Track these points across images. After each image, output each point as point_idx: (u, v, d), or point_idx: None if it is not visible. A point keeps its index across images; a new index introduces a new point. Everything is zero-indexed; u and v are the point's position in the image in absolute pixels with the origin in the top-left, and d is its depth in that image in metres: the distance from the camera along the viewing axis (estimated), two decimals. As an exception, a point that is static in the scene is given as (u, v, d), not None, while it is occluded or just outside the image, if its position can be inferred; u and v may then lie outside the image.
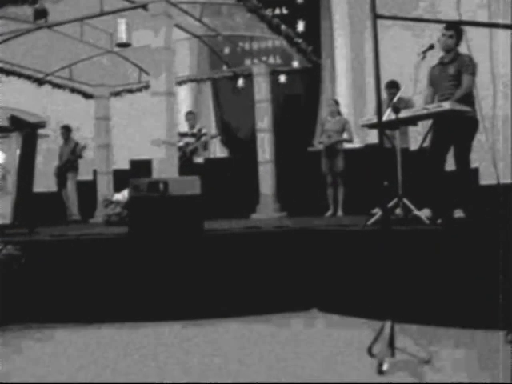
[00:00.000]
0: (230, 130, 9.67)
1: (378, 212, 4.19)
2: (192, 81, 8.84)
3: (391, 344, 2.42)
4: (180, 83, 8.30)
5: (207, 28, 6.93)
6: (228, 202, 7.43)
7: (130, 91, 8.72)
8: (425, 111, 3.83)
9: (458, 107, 3.74)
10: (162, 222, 3.74)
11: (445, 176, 4.20)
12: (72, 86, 8.40)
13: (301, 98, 9.13)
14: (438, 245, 3.20)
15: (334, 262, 3.64)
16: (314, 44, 7.86)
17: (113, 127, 8.45)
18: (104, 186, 8.14)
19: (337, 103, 6.80)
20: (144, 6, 5.13)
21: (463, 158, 4.06)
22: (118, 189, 6.95)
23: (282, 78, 9.04)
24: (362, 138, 8.05)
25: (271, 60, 8.94)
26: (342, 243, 3.65)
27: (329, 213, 6.63)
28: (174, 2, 5.19)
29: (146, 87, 7.98)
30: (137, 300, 3.64)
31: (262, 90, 7.59)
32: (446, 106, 3.67)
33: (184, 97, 9.39)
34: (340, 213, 6.54)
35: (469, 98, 3.96)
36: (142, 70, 8.45)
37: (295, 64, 8.40)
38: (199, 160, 7.15)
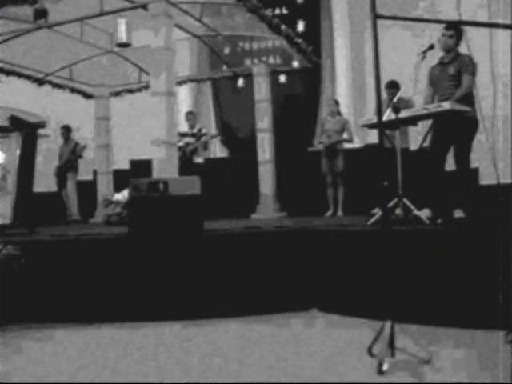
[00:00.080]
0: (229, 130, 9.67)
1: (377, 212, 4.19)
2: (192, 81, 8.84)
3: (391, 344, 2.42)
4: (180, 83, 8.30)
5: (207, 28, 6.93)
6: (228, 201, 7.43)
7: (130, 91, 8.71)
8: (425, 111, 3.83)
9: (458, 107, 3.74)
10: (162, 222, 3.74)
11: (445, 176, 4.20)
12: (72, 86, 8.40)
13: (301, 98, 9.12)
14: (438, 245, 3.20)
15: (333, 262, 3.64)
16: (314, 44, 7.85)
17: (113, 127, 8.44)
18: (104, 186, 8.14)
19: (337, 103, 6.80)
20: (144, 6, 5.13)
21: (463, 157, 4.06)
22: (118, 189, 6.95)
23: (282, 78, 9.04)
24: (362, 138, 8.04)
25: (271, 60, 8.93)
26: (342, 243, 3.65)
27: (329, 213, 6.63)
28: (173, 2, 5.19)
29: (146, 87, 7.97)
30: (137, 300, 3.64)
31: (262, 90, 7.59)
32: (446, 106, 3.67)
33: (184, 97, 9.39)
34: (340, 213, 6.54)
35: (469, 98, 3.96)
36: (142, 69, 8.45)
37: (295, 64, 8.40)
38: (199, 160, 7.14)
